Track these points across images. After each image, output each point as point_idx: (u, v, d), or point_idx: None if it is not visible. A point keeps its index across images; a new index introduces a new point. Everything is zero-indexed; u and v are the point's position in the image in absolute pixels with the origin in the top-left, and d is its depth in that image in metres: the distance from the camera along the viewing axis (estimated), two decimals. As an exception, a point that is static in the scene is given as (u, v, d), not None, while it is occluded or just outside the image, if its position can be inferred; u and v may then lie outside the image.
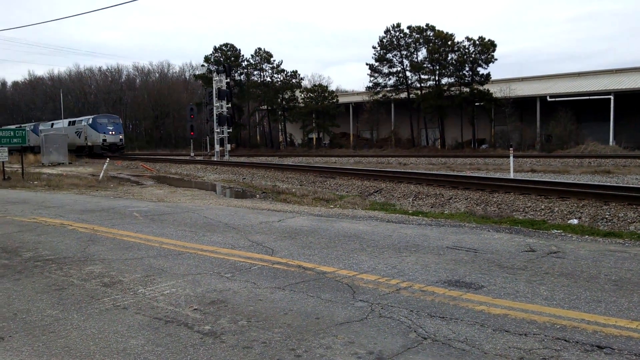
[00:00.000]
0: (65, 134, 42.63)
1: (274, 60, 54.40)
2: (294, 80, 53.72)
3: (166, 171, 27.68)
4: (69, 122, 48.27)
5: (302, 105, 51.11)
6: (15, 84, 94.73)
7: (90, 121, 44.72)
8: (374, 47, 46.14)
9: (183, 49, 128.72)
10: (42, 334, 4.08)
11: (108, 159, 28.43)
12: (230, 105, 39.99)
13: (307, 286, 5.15)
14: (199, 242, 7.48)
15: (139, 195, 14.84)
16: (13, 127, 54.77)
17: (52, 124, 50.98)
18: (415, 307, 4.45)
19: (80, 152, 45.83)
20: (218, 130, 36.67)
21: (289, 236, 7.81)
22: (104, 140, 43.21)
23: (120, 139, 44.79)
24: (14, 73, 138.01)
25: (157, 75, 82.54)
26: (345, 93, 66.44)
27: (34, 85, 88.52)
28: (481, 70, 41.58)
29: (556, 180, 14.88)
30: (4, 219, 10.42)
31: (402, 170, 20.45)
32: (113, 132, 44.14)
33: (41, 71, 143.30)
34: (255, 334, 3.92)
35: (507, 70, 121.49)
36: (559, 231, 8.17)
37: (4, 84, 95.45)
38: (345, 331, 3.94)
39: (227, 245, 7.22)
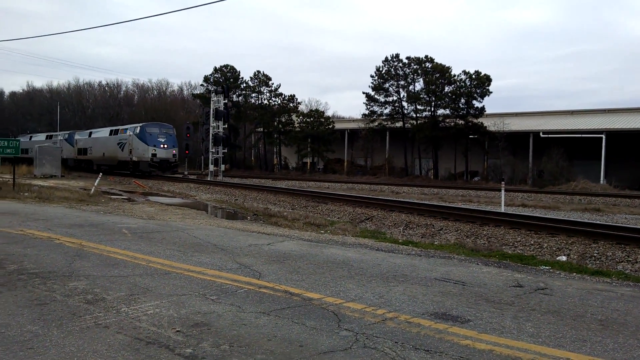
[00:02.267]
0: (59, 147, 42.20)
1: (272, 84, 54.93)
2: (291, 104, 54.14)
3: (158, 189, 27.58)
4: (111, 131, 41.02)
5: (298, 129, 51.40)
6: (12, 94, 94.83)
7: (137, 130, 36.16)
8: (372, 76, 46.68)
9: (183, 68, 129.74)
10: (20, 349, 4.01)
11: (100, 174, 28.23)
12: (226, 126, 40.12)
13: (292, 312, 5.10)
14: (187, 262, 7.42)
15: (130, 212, 14.74)
16: (43, 135, 52.24)
17: (90, 133, 44.70)
18: (401, 338, 4.41)
19: (123, 168, 37.56)
20: (213, 150, 36.72)
21: (277, 260, 7.76)
22: (154, 155, 35.06)
23: (174, 155, 36.47)
24: (12, 83, 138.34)
25: (155, 92, 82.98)
26: (342, 119, 66.93)
27: (31, 96, 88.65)
28: (476, 104, 42.10)
29: (546, 216, 14.95)
30: (-10, 229, 10.30)
31: (394, 199, 20.49)
32: (165, 146, 35.72)
33: (40, 83, 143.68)
34: (237, 359, 3.87)
35: (499, 104, 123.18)
36: (547, 267, 8.17)
37: (1, 93, 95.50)
38: (328, 360, 3.89)
39: (214, 267, 7.16)
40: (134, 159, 36.00)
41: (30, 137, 53.85)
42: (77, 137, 46.13)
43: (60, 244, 8.79)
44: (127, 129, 38.24)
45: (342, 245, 9.54)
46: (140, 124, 37.52)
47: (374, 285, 6.30)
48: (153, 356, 3.90)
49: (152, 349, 4.04)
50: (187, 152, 40.41)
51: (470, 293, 6.03)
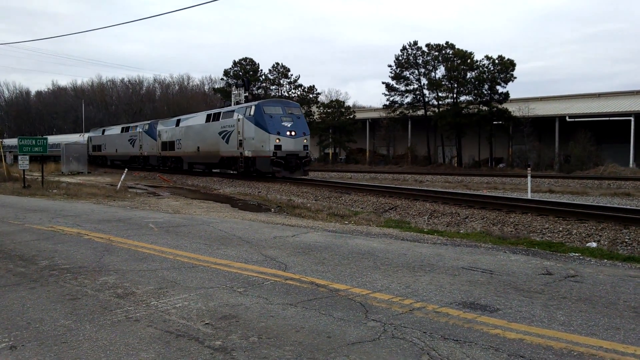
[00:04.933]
0: (83, 144, 42.77)
1: (292, 75, 54.89)
2: (310, 95, 54.04)
3: (183, 183, 27.88)
4: (209, 115, 29.77)
5: (318, 120, 51.29)
6: (38, 93, 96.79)
7: (251, 111, 24.91)
8: (389, 66, 46.26)
9: (203, 63, 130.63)
10: (54, 344, 4.10)
11: (126, 169, 28.49)
12: (248, 118, 40.04)
13: (319, 303, 5.11)
14: (213, 256, 7.49)
15: (155, 207, 14.95)
16: (118, 127, 45.14)
17: (178, 121, 33.69)
18: (429, 328, 4.38)
19: (226, 166, 28.03)
20: (236, 143, 36.49)
21: (302, 252, 7.78)
22: (277, 147, 23.77)
23: (305, 146, 24.86)
24: (38, 83, 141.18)
25: (176, 87, 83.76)
26: (363, 109, 66.58)
27: (56, 95, 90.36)
28: (500, 89, 41.34)
29: (575, 202, 14.66)
30: (22, 226, 10.57)
31: (418, 188, 20.32)
32: (293, 132, 24.29)
33: (64, 81, 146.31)
34: (266, 351, 3.89)
35: (522, 89, 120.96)
36: (577, 254, 8.02)
37: (27, 93, 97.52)
38: (356, 351, 3.89)
39: (240, 260, 7.21)
40: (247, 153, 24.91)
41: (103, 131, 47.60)
42: (160, 127, 35.70)
43: (89, 239, 8.96)
44: (233, 110, 27.26)
45: (367, 236, 9.51)
46: (255, 102, 25.87)
47: (400, 276, 6.27)
48: (183, 349, 3.95)
49: (182, 342, 4.10)
50: None
51: (498, 282, 5.96)
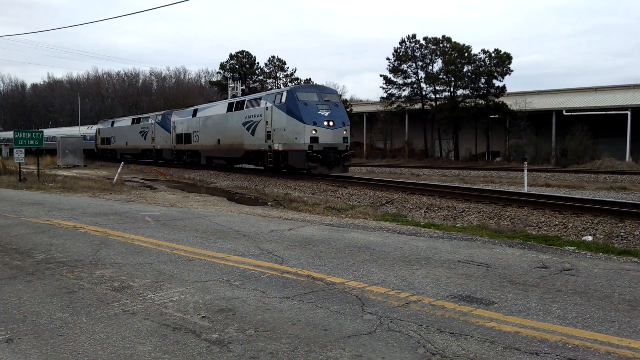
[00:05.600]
0: (79, 137, 42.24)
1: (288, 68, 54.75)
2: (308, 89, 53.86)
3: (179, 176, 27.84)
4: (231, 104, 26.74)
5: (315, 113, 51.06)
6: (34, 86, 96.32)
7: (282, 97, 21.75)
8: (388, 59, 46.16)
9: (200, 56, 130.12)
10: (50, 337, 4.10)
11: (122, 162, 28.39)
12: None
13: (316, 297, 5.12)
14: (210, 249, 7.49)
15: (152, 200, 14.93)
16: (128, 119, 41.44)
17: (195, 111, 30.36)
18: (425, 321, 4.40)
19: (252, 161, 24.98)
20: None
21: (299, 245, 7.79)
22: (314, 139, 20.57)
23: (345, 138, 21.54)
24: (34, 76, 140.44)
25: (173, 80, 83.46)
26: (360, 102, 66.48)
27: (52, 88, 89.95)
28: (497, 83, 41.34)
29: (571, 196, 14.70)
30: (18, 220, 10.54)
31: (415, 182, 20.34)
32: (331, 122, 21.02)
33: (60, 74, 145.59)
34: (263, 344, 3.90)
35: (520, 82, 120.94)
36: (572, 248, 8.05)
37: (23, 86, 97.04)
38: (353, 344, 3.90)
39: (237, 253, 7.22)
40: (277, 146, 21.84)
41: (112, 123, 44.71)
42: (174, 118, 32.86)
43: (85, 232, 8.95)
44: (259, 97, 24.13)
45: (364, 229, 9.52)
46: (287, 88, 23.36)
47: (396, 269, 6.28)
48: (180, 342, 3.96)
49: (179, 335, 4.10)
50: None
51: (494, 275, 5.98)
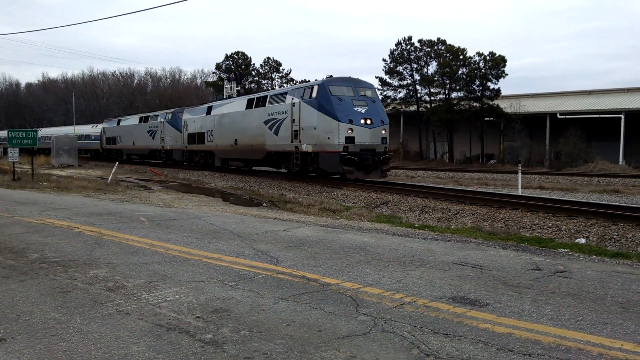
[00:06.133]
0: (74, 137, 41.90)
1: (283, 69, 54.75)
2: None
3: (174, 177, 27.78)
4: (250, 100, 24.22)
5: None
6: (28, 85, 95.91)
7: (313, 92, 19.30)
8: (384, 60, 46.24)
9: (195, 56, 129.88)
10: (44, 336, 4.09)
11: (117, 162, 28.26)
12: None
13: (310, 298, 5.13)
14: (204, 249, 7.48)
15: (147, 200, 14.89)
16: (135, 117, 38.90)
17: (210, 109, 28.17)
18: (419, 322, 4.42)
19: (275, 163, 22.82)
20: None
21: (294, 246, 7.79)
22: (349, 139, 18.20)
23: (383, 138, 19.03)
24: (28, 75, 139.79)
25: (168, 80, 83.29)
26: (355, 104, 66.40)
27: (47, 87, 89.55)
28: (491, 85, 41.48)
29: (564, 199, 14.77)
30: (12, 219, 10.49)
31: (410, 183, 20.38)
32: (369, 121, 18.61)
33: (55, 73, 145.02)
34: (257, 345, 3.91)
35: (514, 84, 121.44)
36: (566, 250, 8.10)
37: (17, 85, 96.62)
38: (347, 345, 3.91)
39: (232, 253, 7.21)
40: (306, 147, 19.34)
41: (119, 122, 42.34)
42: (185, 116, 30.70)
43: (79, 232, 8.92)
44: (285, 92, 21.79)
45: (358, 231, 9.54)
46: (317, 81, 19.90)
47: (391, 270, 6.30)
48: (174, 342, 3.96)
49: (173, 335, 4.10)
50: None
51: (488, 277, 6.01)
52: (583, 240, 9.50)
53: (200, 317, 4.54)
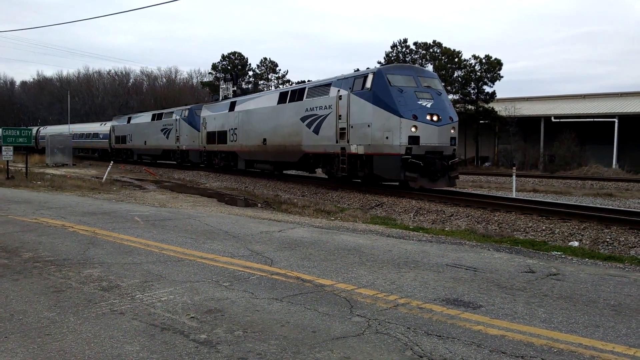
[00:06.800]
0: (69, 136, 41.60)
1: (280, 70, 54.79)
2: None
3: (169, 177, 27.72)
4: (283, 94, 21.39)
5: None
6: (23, 83, 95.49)
7: (366, 82, 16.38)
8: (379, 63, 46.30)
9: (192, 56, 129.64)
10: (37, 336, 4.08)
11: (112, 162, 28.15)
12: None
13: (305, 299, 5.14)
14: (199, 250, 7.48)
15: (141, 200, 14.85)
16: (148, 114, 36.08)
17: (233, 104, 25.43)
18: (413, 324, 4.43)
19: (312, 167, 20.85)
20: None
21: (288, 247, 7.80)
22: (413, 139, 15.31)
23: (452, 139, 16.28)
24: (23, 73, 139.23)
25: (164, 80, 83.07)
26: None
27: (42, 85, 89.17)
28: (487, 89, 41.68)
29: (558, 202, 14.85)
30: (5, 218, 10.45)
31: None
32: (435, 117, 15.62)
33: (50, 72, 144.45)
34: (251, 345, 3.91)
35: (509, 87, 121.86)
36: (559, 253, 8.14)
37: (12, 83, 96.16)
38: (341, 346, 3.93)
39: (226, 254, 7.21)
40: (355, 148, 16.60)
41: (129, 119, 39.73)
42: (204, 113, 28.20)
43: (74, 231, 8.89)
44: (328, 84, 18.33)
45: (353, 232, 9.56)
46: (373, 69, 16.95)
47: (385, 272, 6.32)
48: (168, 342, 3.96)
49: (167, 335, 4.10)
50: None
51: (482, 279, 6.04)
52: (576, 243, 9.55)
53: (195, 317, 4.54)
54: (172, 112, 32.97)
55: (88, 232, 8.86)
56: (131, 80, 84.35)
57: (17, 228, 9.20)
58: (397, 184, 17.13)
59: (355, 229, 10.07)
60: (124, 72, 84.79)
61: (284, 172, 23.25)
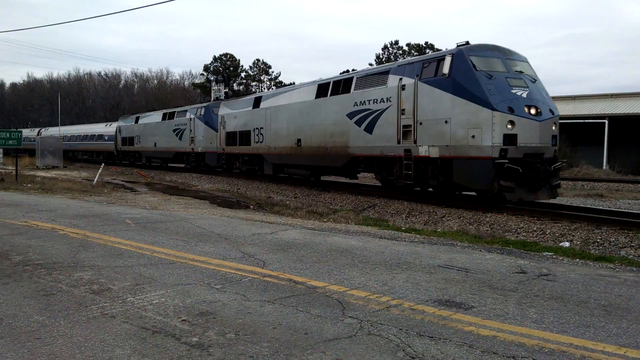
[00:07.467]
0: (59, 138, 41.30)
1: (272, 72, 54.80)
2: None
3: (161, 179, 27.61)
4: (322, 86, 18.09)
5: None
6: (13, 85, 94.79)
7: (442, 67, 12.95)
8: (370, 64, 46.47)
9: (183, 57, 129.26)
10: (27, 340, 4.05)
11: (103, 164, 28.02)
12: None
13: (297, 300, 5.13)
14: (191, 252, 7.45)
15: (133, 202, 14.78)
16: (159, 114, 33.37)
17: (259, 100, 22.51)
18: (405, 325, 4.44)
19: (362, 171, 17.59)
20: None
21: (281, 249, 7.79)
22: (509, 137, 11.72)
23: (554, 137, 12.59)
24: (12, 75, 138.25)
25: (155, 82, 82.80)
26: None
27: (32, 87, 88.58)
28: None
29: (549, 202, 14.92)
30: (-5, 221, 10.35)
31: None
32: (534, 110, 12.00)
33: (40, 74, 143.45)
34: (243, 348, 3.90)
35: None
36: (550, 253, 8.19)
37: (2, 85, 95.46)
38: (333, 348, 3.92)
39: (218, 256, 7.19)
40: (424, 150, 13.60)
41: (137, 119, 36.54)
42: (223, 111, 25.20)
43: (64, 234, 8.83)
44: (386, 71, 15.31)
45: (345, 234, 9.56)
46: (451, 50, 13.31)
47: (377, 273, 6.32)
48: (160, 345, 3.94)
49: (159, 338, 4.08)
50: None
51: (473, 280, 6.05)
52: (567, 244, 9.61)
53: (186, 320, 4.52)
54: (186, 111, 29.93)
55: (79, 234, 8.80)
56: (122, 82, 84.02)
57: (7, 231, 9.12)
58: (489, 194, 13.43)
59: (347, 230, 10.07)
60: (114, 74, 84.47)
61: (322, 178, 20.20)
